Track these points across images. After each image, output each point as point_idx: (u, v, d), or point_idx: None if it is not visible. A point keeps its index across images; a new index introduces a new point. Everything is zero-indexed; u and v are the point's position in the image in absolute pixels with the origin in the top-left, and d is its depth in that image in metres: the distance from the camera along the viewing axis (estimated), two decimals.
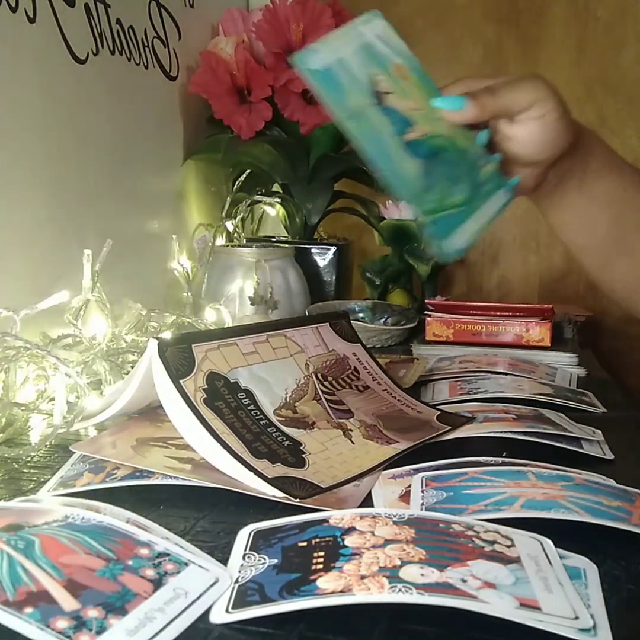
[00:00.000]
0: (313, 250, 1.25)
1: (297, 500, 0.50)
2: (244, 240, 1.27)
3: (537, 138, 0.60)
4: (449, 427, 0.64)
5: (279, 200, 1.28)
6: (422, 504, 0.49)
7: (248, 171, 1.25)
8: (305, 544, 0.41)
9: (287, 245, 1.23)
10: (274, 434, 0.56)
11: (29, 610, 0.34)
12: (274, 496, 0.50)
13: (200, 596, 0.38)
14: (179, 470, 0.53)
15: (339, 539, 0.41)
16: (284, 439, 0.56)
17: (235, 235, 1.25)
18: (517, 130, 0.60)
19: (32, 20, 0.82)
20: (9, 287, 0.80)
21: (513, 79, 0.60)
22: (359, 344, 0.73)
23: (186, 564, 0.40)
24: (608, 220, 0.68)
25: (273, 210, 1.35)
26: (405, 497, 0.51)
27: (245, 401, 0.58)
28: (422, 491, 0.51)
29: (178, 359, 0.55)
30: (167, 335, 0.72)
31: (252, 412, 0.57)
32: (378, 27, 0.58)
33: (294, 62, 0.53)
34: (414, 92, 0.58)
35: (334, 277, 1.25)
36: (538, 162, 0.62)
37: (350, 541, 0.41)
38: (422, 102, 0.58)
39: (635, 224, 0.68)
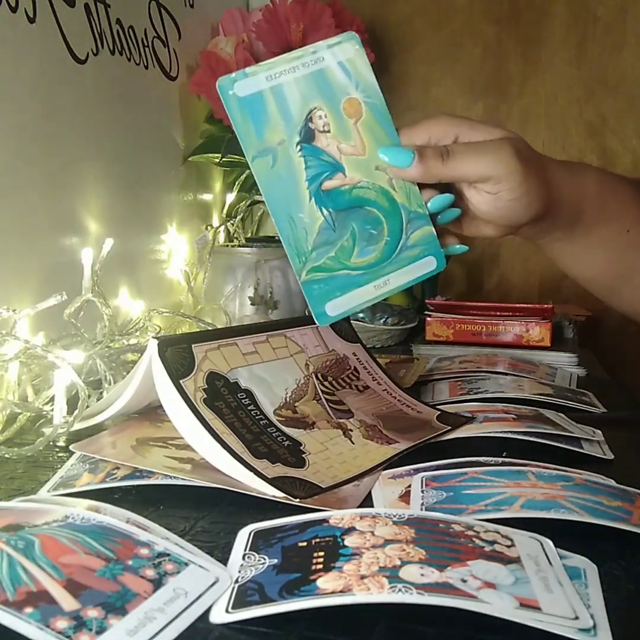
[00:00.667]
0: None
1: (297, 500, 0.50)
2: (244, 240, 1.27)
3: (491, 210, 0.55)
4: (449, 427, 0.64)
5: None
6: (422, 504, 0.49)
7: (248, 171, 1.25)
8: (305, 544, 0.41)
9: None
10: (274, 434, 0.56)
11: (29, 610, 0.34)
12: (274, 496, 0.50)
13: (200, 596, 0.38)
14: (179, 470, 0.53)
15: (339, 539, 0.41)
16: (284, 439, 0.56)
17: (235, 235, 1.26)
18: (472, 195, 0.55)
19: (32, 20, 0.82)
20: (9, 287, 0.80)
21: (481, 142, 0.54)
22: (359, 344, 0.73)
23: (186, 564, 0.40)
24: (607, 261, 0.63)
25: None
26: (405, 497, 0.51)
27: (245, 401, 0.58)
28: (422, 491, 0.51)
29: (178, 359, 0.55)
30: (167, 335, 0.72)
31: (252, 412, 0.57)
32: (347, 52, 0.52)
33: (218, 84, 0.48)
34: (361, 133, 0.53)
35: None
36: (497, 226, 0.58)
37: (350, 541, 0.41)
38: (366, 146, 0.53)
39: (638, 259, 0.63)
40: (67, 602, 0.35)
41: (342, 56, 0.52)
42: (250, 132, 0.51)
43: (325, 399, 0.64)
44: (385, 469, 0.57)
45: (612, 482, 0.52)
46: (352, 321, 0.75)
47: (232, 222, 1.24)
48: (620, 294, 0.66)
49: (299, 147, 0.51)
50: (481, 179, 0.54)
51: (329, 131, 0.52)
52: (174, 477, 0.52)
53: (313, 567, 0.38)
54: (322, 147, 0.52)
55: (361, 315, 1.12)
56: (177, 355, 0.56)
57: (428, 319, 1.02)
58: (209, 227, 1.21)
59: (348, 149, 0.53)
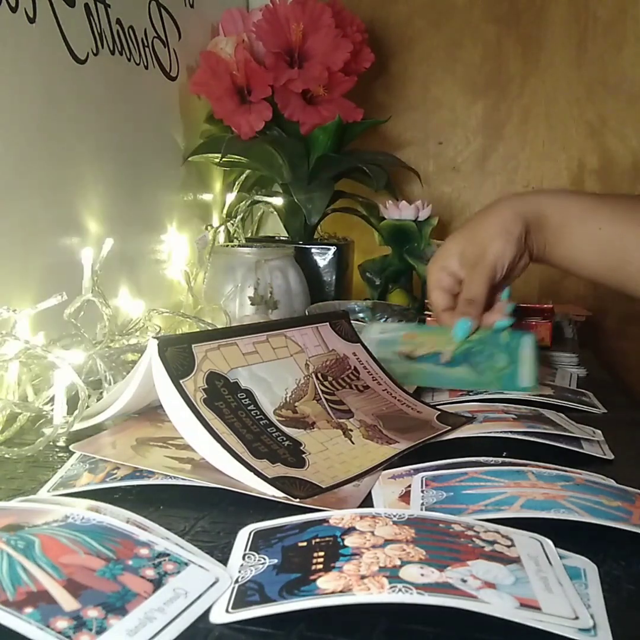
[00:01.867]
0: (313, 250, 1.25)
1: (297, 500, 0.50)
2: (244, 240, 1.27)
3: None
4: (449, 427, 0.64)
5: (279, 200, 1.28)
6: (422, 504, 0.49)
7: (248, 171, 1.25)
8: (305, 544, 0.41)
9: (287, 245, 1.23)
10: (274, 434, 0.56)
11: (29, 610, 0.34)
12: (274, 496, 0.50)
13: (200, 596, 0.38)
14: (179, 470, 0.53)
15: (339, 539, 0.41)
16: (284, 439, 0.56)
17: (235, 235, 1.25)
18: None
19: (32, 20, 0.82)
20: (9, 287, 0.80)
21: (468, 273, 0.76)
22: (359, 344, 0.73)
23: (186, 564, 0.40)
24: (596, 256, 0.75)
25: (273, 210, 1.35)
26: (405, 497, 0.51)
27: (245, 401, 0.58)
28: (422, 491, 0.51)
29: (178, 359, 0.55)
30: (167, 335, 0.72)
31: (252, 412, 0.57)
32: (376, 329, 0.82)
33: None
34: (428, 338, 0.79)
35: (334, 277, 1.25)
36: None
37: (350, 541, 0.41)
38: (433, 338, 0.78)
39: (631, 247, 0.74)
40: (67, 602, 0.35)
41: (377, 331, 0.82)
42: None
43: (325, 398, 0.64)
44: (385, 469, 0.57)
45: (612, 482, 0.53)
46: (352, 321, 0.75)
47: (232, 222, 1.24)
48: (625, 284, 0.76)
49: (414, 363, 0.78)
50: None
51: (413, 350, 0.79)
52: (174, 477, 0.52)
53: (313, 567, 0.38)
54: (420, 355, 0.79)
55: (361, 315, 1.12)
56: (177, 355, 0.56)
57: (428, 319, 1.01)
58: (209, 227, 1.21)
59: (428, 348, 0.78)
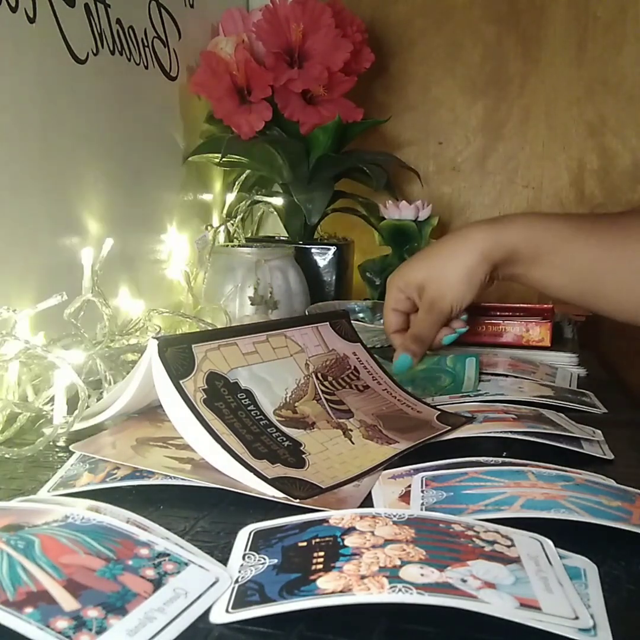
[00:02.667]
0: (313, 250, 1.25)
1: (297, 500, 0.50)
2: (244, 240, 1.27)
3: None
4: (449, 427, 0.64)
5: (279, 200, 1.28)
6: (422, 504, 0.49)
7: (248, 171, 1.25)
8: (305, 544, 0.41)
9: (287, 245, 1.23)
10: (273, 434, 0.56)
11: (29, 610, 0.34)
12: (273, 496, 0.50)
13: (200, 596, 0.38)
14: (179, 470, 0.53)
15: (339, 539, 0.41)
16: (284, 439, 0.56)
17: (235, 235, 1.25)
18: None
19: (32, 20, 0.82)
20: (9, 287, 0.80)
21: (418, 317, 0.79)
22: (359, 344, 0.73)
23: (186, 564, 0.40)
24: (571, 282, 0.75)
25: (273, 210, 1.35)
26: (405, 497, 0.51)
27: (245, 401, 0.58)
28: (422, 491, 0.51)
29: (178, 359, 0.55)
30: (167, 335, 0.72)
31: (252, 413, 0.57)
32: None
33: None
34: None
35: (334, 277, 1.25)
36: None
37: (350, 541, 0.41)
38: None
39: (604, 270, 0.73)
40: (67, 602, 0.35)
41: None
42: None
43: (325, 398, 0.64)
44: (385, 469, 0.57)
45: (612, 482, 0.53)
46: (352, 321, 0.75)
47: (232, 222, 1.24)
48: (598, 306, 0.77)
49: None
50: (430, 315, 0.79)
51: None
52: (174, 477, 0.52)
53: (313, 567, 0.38)
54: None
55: (361, 315, 1.12)
56: (177, 356, 0.56)
57: None
58: (209, 227, 1.21)
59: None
